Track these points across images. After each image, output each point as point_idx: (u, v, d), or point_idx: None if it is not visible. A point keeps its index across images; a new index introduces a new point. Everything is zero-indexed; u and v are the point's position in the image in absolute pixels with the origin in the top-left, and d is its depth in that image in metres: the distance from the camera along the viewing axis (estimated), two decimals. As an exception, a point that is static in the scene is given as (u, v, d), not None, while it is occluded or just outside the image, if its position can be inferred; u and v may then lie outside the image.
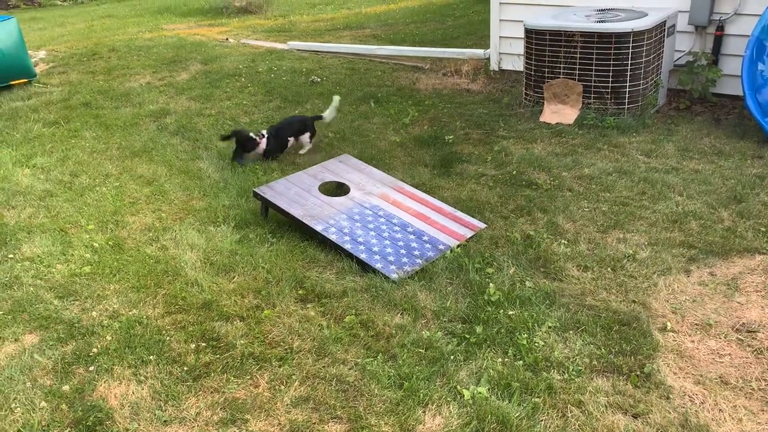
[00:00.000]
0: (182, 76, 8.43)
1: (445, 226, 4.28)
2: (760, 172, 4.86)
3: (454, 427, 2.67)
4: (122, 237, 4.36)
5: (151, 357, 3.14)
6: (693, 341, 3.18)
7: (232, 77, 8.22)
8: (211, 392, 2.92)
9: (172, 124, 6.60)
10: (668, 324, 3.28)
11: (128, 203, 4.88)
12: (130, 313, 3.51)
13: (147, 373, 3.04)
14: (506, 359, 3.07)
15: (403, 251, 4.00)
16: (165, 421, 2.77)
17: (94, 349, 3.20)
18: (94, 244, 4.24)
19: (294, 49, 9.86)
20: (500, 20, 7.50)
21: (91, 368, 3.08)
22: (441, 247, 4.06)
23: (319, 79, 8.00)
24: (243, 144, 5.44)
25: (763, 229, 4.08)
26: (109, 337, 3.29)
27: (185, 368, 3.06)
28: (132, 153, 5.87)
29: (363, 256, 3.92)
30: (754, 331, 3.20)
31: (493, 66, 7.72)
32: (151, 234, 4.39)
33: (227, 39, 10.95)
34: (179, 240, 4.25)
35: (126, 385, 2.97)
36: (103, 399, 2.88)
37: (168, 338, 3.28)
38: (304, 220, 4.20)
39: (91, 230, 4.45)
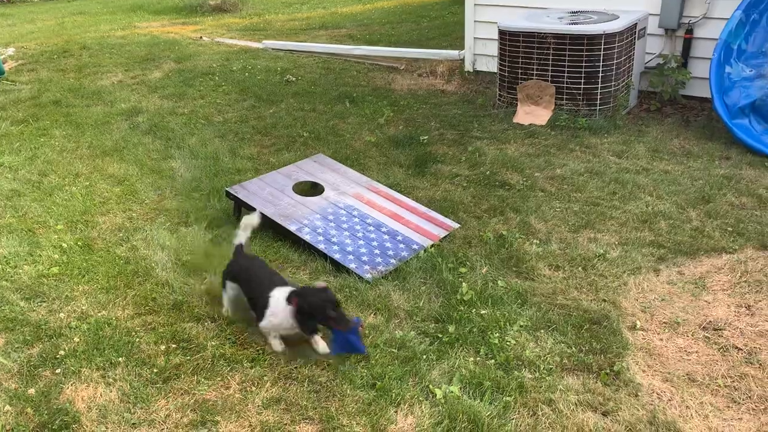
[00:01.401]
0: (155, 75, 8.34)
1: (419, 226, 4.29)
2: (728, 173, 4.95)
3: (425, 427, 2.67)
4: (92, 237, 4.29)
5: (120, 359, 3.09)
6: (661, 339, 3.22)
7: (205, 76, 8.15)
8: (181, 394, 2.89)
9: (144, 123, 6.51)
10: (638, 322, 3.32)
11: (98, 203, 4.81)
12: (99, 314, 3.46)
13: (116, 375, 2.99)
14: (478, 358, 3.08)
15: (377, 251, 3.99)
16: (133, 423, 2.73)
17: (62, 352, 3.14)
18: (63, 244, 4.17)
19: (269, 48, 9.80)
20: (475, 21, 7.53)
21: (58, 371, 3.03)
22: (415, 247, 4.07)
23: (294, 79, 7.96)
24: None
25: (729, 228, 4.16)
26: (77, 339, 3.23)
27: (155, 370, 3.02)
28: (103, 152, 5.79)
29: (337, 257, 3.91)
30: (720, 329, 3.26)
31: (468, 67, 7.75)
32: (121, 234, 4.33)
33: (201, 37, 10.85)
34: (150, 240, 4.20)
35: (94, 387, 2.92)
36: (70, 402, 2.83)
37: (138, 340, 3.24)
38: (277, 220, 4.17)
39: (60, 230, 4.37)
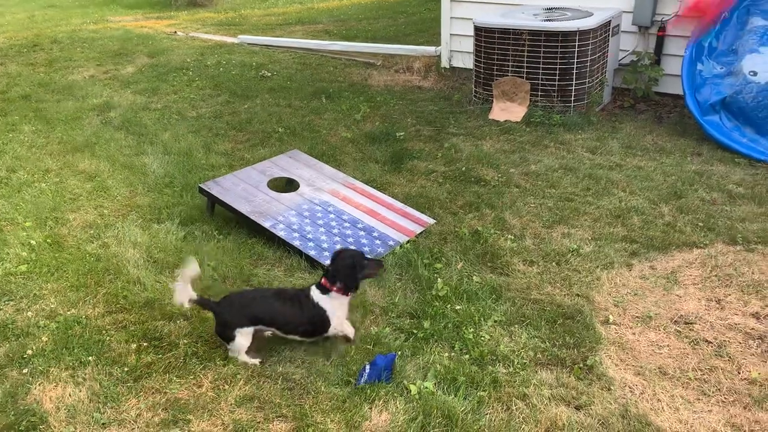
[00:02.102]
0: (128, 70, 8.21)
1: (395, 222, 4.28)
2: (699, 169, 5.02)
3: (400, 423, 2.67)
4: (62, 234, 4.21)
5: (90, 358, 3.04)
6: (634, 333, 3.25)
7: (179, 71, 8.05)
8: (153, 393, 2.84)
9: (116, 118, 6.41)
10: (610, 317, 3.36)
11: (69, 199, 4.72)
12: (69, 312, 3.39)
13: (85, 374, 2.94)
14: (453, 354, 3.09)
15: (352, 248, 3.97)
16: (103, 423, 2.68)
17: (29, 351, 3.08)
18: (32, 241, 4.08)
19: (244, 43, 9.71)
20: (451, 18, 7.54)
21: (25, 371, 2.96)
22: (391, 243, 4.06)
23: (269, 74, 7.90)
24: None
25: (700, 224, 4.22)
26: (45, 338, 3.17)
27: (126, 369, 2.98)
28: (74, 148, 5.68)
29: (312, 253, 3.88)
30: (691, 323, 3.30)
31: (444, 63, 7.76)
32: (92, 231, 4.26)
33: (175, 32, 10.71)
34: (122, 237, 4.13)
35: (62, 387, 2.86)
36: (38, 402, 2.77)
37: (108, 338, 3.19)
38: (251, 217, 4.13)
39: (29, 227, 4.28)
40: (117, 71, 8.13)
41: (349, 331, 3.15)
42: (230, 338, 2.99)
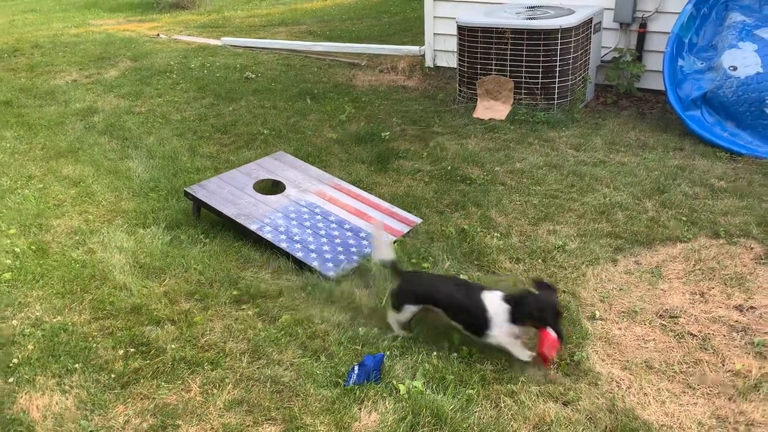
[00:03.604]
0: (111, 74, 8.16)
1: (382, 222, 4.29)
2: (681, 164, 5.07)
3: (389, 423, 2.68)
4: (46, 241, 4.18)
5: (77, 365, 3.02)
6: (620, 328, 3.28)
7: (163, 74, 8.01)
8: (141, 399, 2.83)
9: (99, 123, 6.37)
10: (596, 312, 3.38)
11: (53, 206, 4.69)
12: (54, 320, 3.37)
13: (72, 382, 2.92)
14: (441, 353, 3.10)
15: (340, 248, 3.98)
16: (91, 431, 2.67)
17: (15, 360, 3.05)
18: (16, 249, 4.05)
19: (228, 45, 9.68)
20: (434, 17, 7.56)
21: (11, 380, 2.94)
22: (377, 243, 4.06)
23: (253, 76, 7.88)
24: None
25: (683, 218, 4.26)
26: (31, 347, 3.15)
27: (113, 375, 2.96)
28: (57, 153, 5.64)
29: (299, 255, 3.88)
30: (676, 317, 3.34)
31: (429, 63, 7.77)
32: (77, 237, 4.23)
33: (158, 35, 10.65)
34: (107, 243, 4.11)
35: (49, 395, 2.84)
36: (24, 411, 2.75)
37: (95, 345, 3.17)
38: (238, 220, 4.12)
39: (13, 235, 4.24)
40: (100, 75, 8.07)
41: (519, 352, 2.96)
42: (398, 308, 3.16)
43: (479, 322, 2.97)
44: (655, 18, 6.29)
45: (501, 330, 2.94)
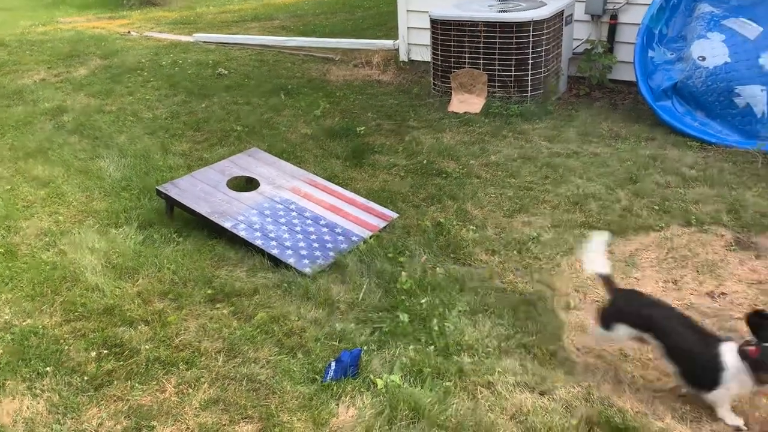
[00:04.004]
0: (80, 72, 8.02)
1: (358, 217, 4.28)
2: (653, 153, 5.13)
3: (367, 417, 2.67)
4: (15, 243, 4.10)
5: (48, 368, 2.97)
6: (595, 318, 3.31)
7: (134, 71, 7.89)
8: (114, 401, 2.79)
9: (69, 122, 6.26)
10: (571, 302, 3.41)
11: (22, 207, 4.59)
12: (24, 323, 3.31)
13: (43, 385, 2.87)
14: (418, 346, 3.10)
15: (316, 245, 3.96)
16: (64, 435, 2.63)
17: (-16, 365, 2.99)
18: (-17, 252, 3.97)
19: (200, 42, 9.56)
20: (407, 11, 7.55)
21: (-19, 385, 2.88)
22: (354, 238, 4.05)
23: (226, 72, 7.80)
24: None
25: (656, 207, 4.31)
26: (0, 351, 3.08)
27: (86, 378, 2.91)
28: (26, 154, 5.53)
29: (275, 252, 3.85)
30: (649, 305, 3.37)
31: (403, 57, 7.76)
32: (47, 239, 4.15)
33: (129, 32, 10.50)
34: (78, 244, 4.04)
35: (20, 400, 2.79)
36: (-5, 417, 2.70)
37: (67, 347, 3.11)
38: (211, 218, 4.08)
39: (-20, 238, 4.16)
40: (69, 74, 7.93)
41: (728, 418, 2.63)
42: (606, 327, 2.87)
43: (709, 376, 2.58)
44: (625, 9, 6.34)
45: (731, 388, 2.57)
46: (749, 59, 5.27)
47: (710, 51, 5.41)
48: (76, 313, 3.38)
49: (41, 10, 13.47)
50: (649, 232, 4.03)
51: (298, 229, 4.09)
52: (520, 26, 5.85)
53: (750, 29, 5.38)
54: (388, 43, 8.32)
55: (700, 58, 5.43)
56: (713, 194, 4.45)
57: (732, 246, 3.85)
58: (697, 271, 3.63)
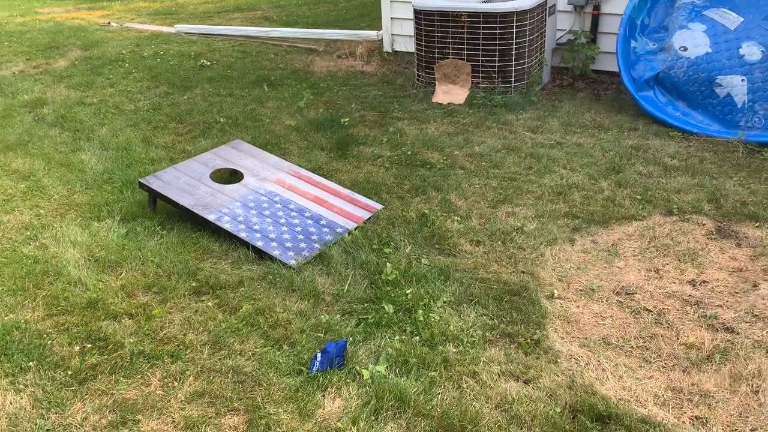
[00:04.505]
0: (60, 63, 7.91)
1: (342, 209, 4.27)
2: (636, 143, 5.17)
3: (353, 408, 2.68)
4: (-5, 238, 4.05)
5: (31, 363, 2.94)
6: (578, 306, 3.34)
7: (115, 63, 7.80)
8: (99, 395, 2.78)
9: (49, 115, 6.18)
10: (555, 291, 3.44)
11: (2, 201, 4.54)
12: (6, 318, 3.27)
13: (26, 380, 2.85)
14: (404, 336, 3.11)
15: (300, 237, 3.95)
16: (48, 429, 2.60)
17: (-35, 360, 2.96)
18: (-37, 246, 3.92)
19: (182, 33, 9.47)
20: (391, 1, 7.52)
21: (-38, 381, 2.85)
22: (339, 230, 4.05)
23: (208, 63, 7.73)
24: None
25: (638, 197, 4.35)
26: (-19, 346, 3.05)
27: (69, 372, 2.89)
28: (5, 147, 5.45)
29: (259, 244, 3.84)
30: (632, 293, 3.41)
31: (387, 47, 7.74)
32: (28, 233, 4.10)
33: (109, 23, 10.37)
34: (60, 237, 4.00)
35: (2, 395, 2.76)
36: (-23, 413, 2.68)
37: (50, 342, 3.09)
38: (195, 210, 4.06)
39: (-41, 232, 4.10)
40: (48, 65, 7.82)
41: None
42: None
43: None
44: (608, 0, 6.37)
45: None
46: (730, 49, 5.32)
47: (692, 41, 5.46)
48: (58, 308, 3.35)
49: (19, 0, 13.25)
50: (631, 222, 4.07)
51: (282, 221, 4.08)
52: (504, 17, 5.85)
53: (730, 19, 5.44)
54: (372, 33, 8.30)
55: (682, 49, 5.47)
56: (694, 184, 4.50)
57: (713, 234, 3.90)
58: (679, 260, 3.67)
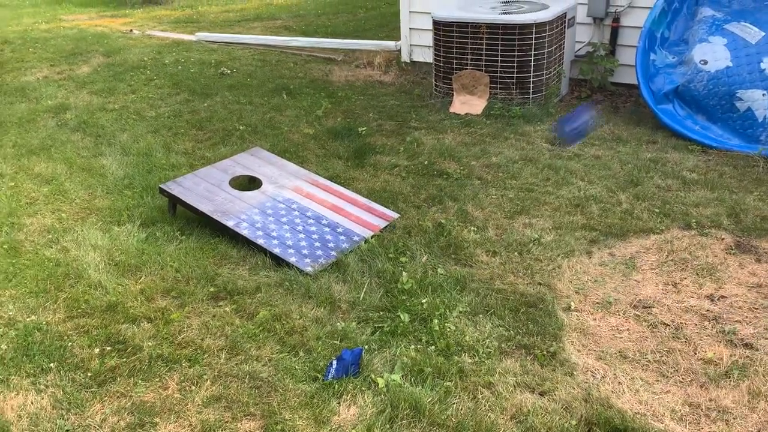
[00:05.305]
0: (83, 70, 8.04)
1: (359, 217, 4.30)
2: (654, 156, 5.15)
3: (368, 416, 2.69)
4: (19, 240, 4.12)
5: (52, 364, 2.99)
6: (595, 319, 3.33)
7: (136, 70, 7.91)
8: (118, 397, 2.81)
9: (72, 120, 6.28)
10: (572, 304, 3.43)
11: (25, 204, 4.61)
12: (28, 319, 3.32)
13: (47, 381, 2.89)
14: (419, 345, 3.12)
15: (317, 244, 3.98)
16: (67, 430, 2.64)
17: (-12, 360, 3.01)
18: (-13, 248, 3.99)
19: (202, 41, 9.59)
20: (410, 12, 7.57)
21: (-15, 380, 2.90)
22: (356, 238, 4.07)
23: (229, 71, 7.82)
24: None
25: (656, 210, 4.33)
26: (4, 346, 3.10)
27: (89, 374, 2.93)
28: (29, 151, 5.55)
29: (277, 251, 3.87)
30: (649, 307, 3.40)
31: (405, 58, 7.78)
32: (50, 236, 4.17)
33: (131, 30, 10.52)
34: (81, 241, 4.06)
35: (24, 395, 2.81)
36: (-1, 412, 2.72)
37: (70, 344, 3.13)
38: (214, 216, 4.10)
39: (-17, 234, 4.18)
40: (72, 71, 7.95)
41: None
42: None
43: None
44: (627, 13, 6.37)
45: None
46: (751, 63, 5.30)
47: (712, 55, 5.44)
48: (79, 310, 3.40)
49: (44, 7, 13.49)
50: (649, 235, 4.05)
51: (299, 228, 4.11)
52: (523, 28, 5.87)
53: (752, 33, 5.41)
54: (390, 44, 8.35)
55: (702, 62, 5.45)
56: (714, 198, 4.47)
57: (732, 249, 3.87)
58: (697, 274, 3.65)
